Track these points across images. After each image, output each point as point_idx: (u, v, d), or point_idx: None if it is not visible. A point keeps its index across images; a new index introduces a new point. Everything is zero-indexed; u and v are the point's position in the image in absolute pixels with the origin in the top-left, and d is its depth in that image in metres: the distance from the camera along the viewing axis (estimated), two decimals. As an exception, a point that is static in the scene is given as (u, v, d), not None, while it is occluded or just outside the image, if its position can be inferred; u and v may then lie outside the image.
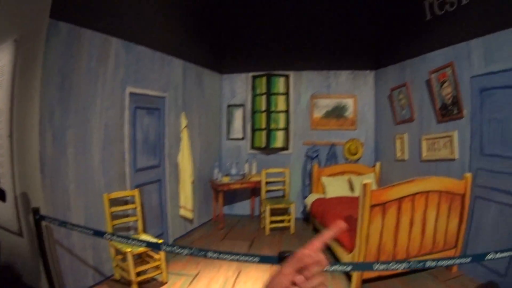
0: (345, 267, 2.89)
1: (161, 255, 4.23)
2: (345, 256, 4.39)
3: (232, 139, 7.93)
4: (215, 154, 7.70)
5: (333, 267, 2.75)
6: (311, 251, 0.74)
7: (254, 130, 7.73)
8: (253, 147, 7.78)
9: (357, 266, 3.33)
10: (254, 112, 7.73)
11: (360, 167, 7.07)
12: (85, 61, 4.05)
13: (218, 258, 2.61)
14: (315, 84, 7.63)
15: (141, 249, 3.94)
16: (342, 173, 6.96)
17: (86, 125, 4.08)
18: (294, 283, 0.72)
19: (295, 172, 7.54)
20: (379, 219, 3.91)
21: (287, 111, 7.65)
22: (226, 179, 6.81)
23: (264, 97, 7.54)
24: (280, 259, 2.32)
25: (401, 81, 6.18)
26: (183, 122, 6.05)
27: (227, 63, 7.88)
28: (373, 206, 3.83)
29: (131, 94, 4.82)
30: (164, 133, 5.62)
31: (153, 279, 4.34)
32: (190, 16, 6.25)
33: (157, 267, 4.28)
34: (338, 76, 7.55)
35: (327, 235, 0.79)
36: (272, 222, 6.53)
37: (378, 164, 6.99)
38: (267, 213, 6.38)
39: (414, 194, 4.04)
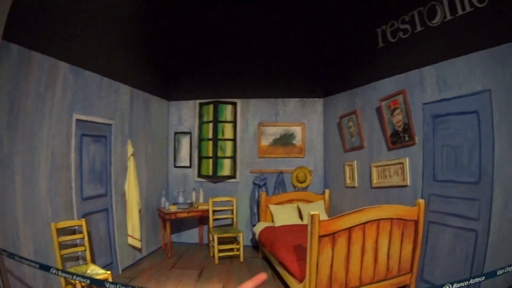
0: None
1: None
2: (296, 286, 4.51)
3: (179, 167, 8.02)
4: (162, 182, 7.75)
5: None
6: None
7: (201, 158, 7.86)
8: (200, 175, 7.89)
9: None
10: (201, 140, 7.87)
11: (308, 194, 7.29)
12: (34, 85, 4.07)
13: None
14: (263, 112, 7.90)
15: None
16: (290, 201, 7.17)
17: (33, 152, 4.07)
18: None
19: (243, 200, 7.71)
20: (329, 249, 3.94)
21: (234, 139, 7.86)
22: (173, 208, 6.87)
23: (211, 125, 7.71)
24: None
25: (351, 108, 6.42)
26: (130, 150, 6.10)
27: (175, 90, 8.03)
28: (322, 237, 3.86)
29: (78, 121, 4.85)
30: (111, 161, 5.65)
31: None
32: (138, 42, 6.38)
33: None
34: (286, 104, 7.86)
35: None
36: (221, 250, 6.62)
37: (327, 192, 7.23)
38: (215, 242, 6.48)
39: (365, 223, 4.07)
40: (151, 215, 7.04)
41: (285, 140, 7.81)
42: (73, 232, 4.54)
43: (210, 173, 7.66)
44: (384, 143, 5.54)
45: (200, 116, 7.93)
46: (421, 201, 4.42)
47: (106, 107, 5.54)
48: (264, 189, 7.48)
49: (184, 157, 7.99)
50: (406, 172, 5.02)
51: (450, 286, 2.57)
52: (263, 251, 6.70)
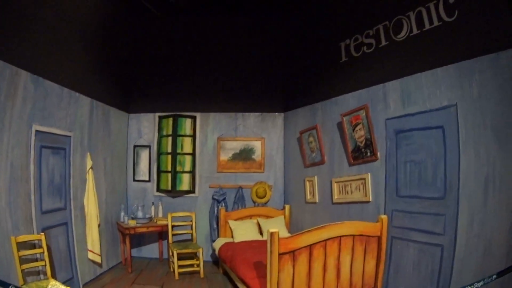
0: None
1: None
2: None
3: (138, 180, 8.05)
4: (122, 196, 7.76)
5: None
6: None
7: (160, 172, 7.91)
8: (159, 189, 7.94)
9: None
10: (160, 153, 7.93)
11: (269, 210, 7.46)
12: (-6, 94, 4.08)
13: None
14: (222, 126, 8.05)
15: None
16: (250, 216, 7.31)
17: (-8, 163, 4.07)
18: None
19: (202, 216, 7.80)
20: (290, 266, 3.92)
21: (193, 154, 7.98)
22: (132, 222, 6.90)
23: (170, 139, 7.79)
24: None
25: (312, 123, 6.55)
26: (89, 162, 6.12)
27: (135, 102, 8.07)
28: (282, 254, 3.84)
29: (37, 132, 4.85)
30: (70, 174, 5.64)
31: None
32: (98, 53, 6.44)
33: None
34: (246, 118, 8.04)
35: None
36: (181, 266, 6.68)
37: (287, 207, 7.42)
38: (175, 257, 6.55)
39: (326, 240, 4.06)
40: (110, 229, 7.05)
41: (244, 155, 7.96)
42: (33, 246, 4.53)
43: (169, 188, 7.73)
44: (345, 159, 5.66)
45: (160, 129, 7.99)
46: (384, 217, 4.36)
47: (66, 118, 5.54)
48: (223, 204, 7.60)
49: (143, 170, 8.03)
50: (368, 187, 5.14)
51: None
52: (224, 267, 6.76)
